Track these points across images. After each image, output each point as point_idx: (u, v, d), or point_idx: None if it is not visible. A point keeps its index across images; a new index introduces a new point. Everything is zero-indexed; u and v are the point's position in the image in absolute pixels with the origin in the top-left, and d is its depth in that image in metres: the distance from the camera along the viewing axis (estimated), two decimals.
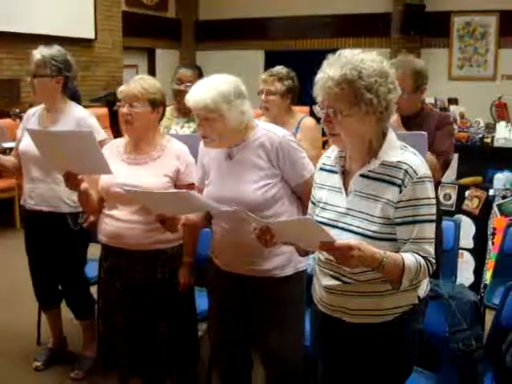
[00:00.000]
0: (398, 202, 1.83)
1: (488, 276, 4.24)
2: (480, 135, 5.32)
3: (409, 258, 1.80)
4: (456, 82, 9.72)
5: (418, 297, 1.99)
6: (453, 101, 8.32)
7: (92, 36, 9.39)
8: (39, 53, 3.13)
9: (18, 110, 6.66)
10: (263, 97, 3.52)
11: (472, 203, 4.59)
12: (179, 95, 3.57)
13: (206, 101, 2.26)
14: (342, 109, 1.81)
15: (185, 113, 3.60)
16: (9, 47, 7.89)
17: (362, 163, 1.91)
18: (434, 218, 1.88)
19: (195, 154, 2.65)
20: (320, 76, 1.85)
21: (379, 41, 10.07)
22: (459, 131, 5.32)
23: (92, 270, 3.37)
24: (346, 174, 1.97)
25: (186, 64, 4.22)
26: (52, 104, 3.22)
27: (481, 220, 4.52)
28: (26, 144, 3.14)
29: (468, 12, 9.65)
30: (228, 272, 2.47)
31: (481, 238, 4.51)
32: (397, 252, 1.83)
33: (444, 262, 3.16)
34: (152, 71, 11.30)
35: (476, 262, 4.53)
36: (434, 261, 1.86)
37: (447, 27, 9.85)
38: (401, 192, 1.82)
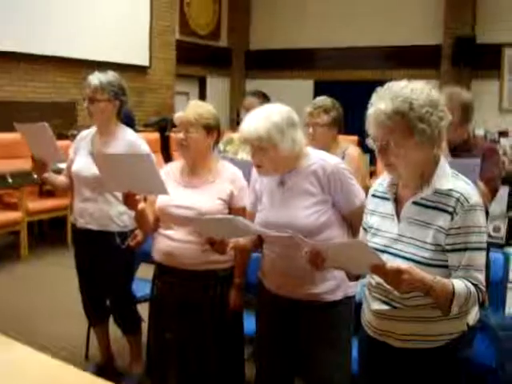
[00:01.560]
0: (449, 229, 1.86)
1: None
2: None
3: (459, 285, 1.82)
4: (507, 114, 9.63)
5: (467, 324, 2.00)
6: (503, 133, 8.25)
7: (146, 63, 9.71)
8: (96, 78, 3.24)
9: (76, 132, 6.91)
10: (310, 130, 3.55)
11: None
12: None
13: (259, 131, 2.32)
14: (395, 141, 1.86)
15: None
16: (68, 72, 8.23)
17: (415, 190, 1.95)
18: (485, 246, 1.90)
19: (249, 180, 2.74)
20: (371, 110, 1.90)
21: (429, 73, 10.07)
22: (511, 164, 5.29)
23: (142, 288, 3.48)
24: (398, 201, 2.01)
25: (253, 91, 4.36)
26: (106, 127, 3.33)
27: None
28: (80, 166, 3.29)
29: None
30: (278, 295, 2.52)
31: None
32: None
33: (492, 293, 3.14)
34: (203, 98, 11.53)
35: None
36: (483, 288, 1.88)
37: (498, 59, 9.79)
38: (452, 219, 1.86)
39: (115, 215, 3.28)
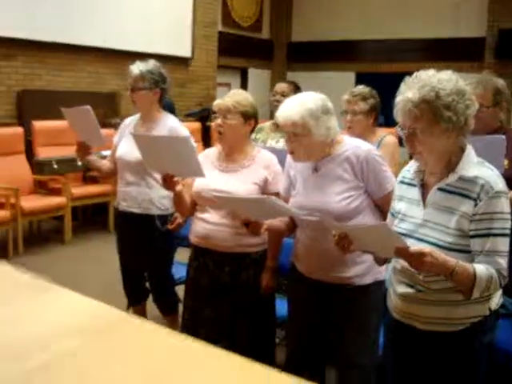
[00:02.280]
0: (473, 215, 1.91)
1: None
2: None
3: (480, 269, 1.87)
4: None
5: (490, 309, 2.04)
6: None
7: (189, 55, 9.83)
8: (137, 67, 3.37)
9: (118, 121, 7.11)
10: (348, 117, 3.63)
11: None
12: (275, 111, 3.78)
13: (294, 117, 2.41)
14: (422, 128, 1.91)
15: (281, 128, 3.79)
16: (110, 63, 8.40)
17: (441, 177, 2.00)
18: (508, 232, 1.94)
19: (283, 167, 2.82)
20: (399, 99, 1.96)
21: (471, 65, 9.95)
22: None
23: (179, 271, 3.59)
24: (424, 187, 2.07)
25: (286, 81, 4.46)
26: (148, 114, 3.46)
27: None
28: (123, 151, 3.43)
29: None
30: (309, 278, 2.60)
31: None
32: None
33: None
34: (244, 90, 11.60)
35: None
36: (506, 274, 1.92)
37: None
38: (476, 205, 1.90)
39: (156, 199, 3.41)
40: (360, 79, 11.39)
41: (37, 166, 6.55)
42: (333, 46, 11.66)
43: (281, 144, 3.89)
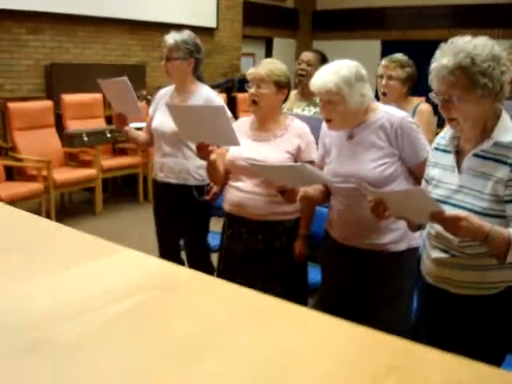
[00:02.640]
0: (508, 180, 1.92)
1: None
2: None
3: None
4: None
5: None
6: None
7: (214, 25, 9.81)
8: (172, 37, 3.38)
9: (145, 93, 7.16)
10: (383, 81, 3.62)
11: None
12: (301, 80, 3.80)
13: (328, 85, 2.43)
14: (458, 95, 1.92)
15: (306, 97, 3.81)
16: (136, 35, 8.44)
17: (476, 143, 2.02)
18: None
19: (315, 135, 2.85)
20: (434, 65, 1.96)
21: (501, 32, 9.78)
22: None
23: (213, 240, 3.65)
24: (459, 154, 2.09)
25: (313, 50, 4.45)
26: (183, 85, 3.47)
27: None
28: (159, 122, 3.46)
29: None
30: (344, 245, 2.64)
31: None
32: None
33: None
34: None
35: None
36: None
37: None
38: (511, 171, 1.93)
39: (193, 169, 3.44)
40: (386, 47, 11.29)
41: (67, 139, 6.62)
42: (358, 14, 11.54)
43: (306, 112, 3.91)
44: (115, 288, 0.96)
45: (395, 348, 0.84)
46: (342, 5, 11.79)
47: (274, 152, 2.84)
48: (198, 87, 3.50)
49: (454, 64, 1.91)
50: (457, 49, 1.93)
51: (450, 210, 1.88)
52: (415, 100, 3.79)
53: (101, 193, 6.58)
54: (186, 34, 3.44)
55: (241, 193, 2.90)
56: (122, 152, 7.17)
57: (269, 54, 11.80)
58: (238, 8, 10.42)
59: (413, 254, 2.60)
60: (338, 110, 2.46)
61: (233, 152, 2.90)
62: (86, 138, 6.53)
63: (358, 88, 2.45)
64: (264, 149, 2.86)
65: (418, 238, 2.58)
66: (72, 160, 6.69)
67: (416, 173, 2.55)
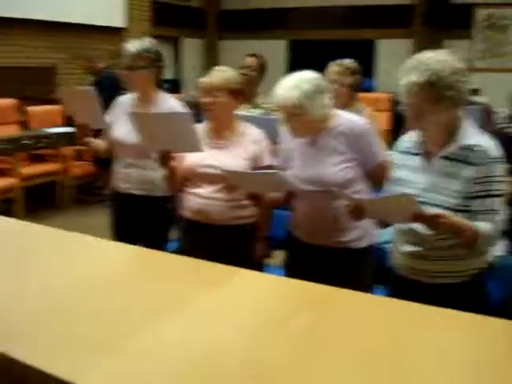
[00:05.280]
0: (475, 178, 2.13)
1: None
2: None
3: (482, 226, 2.11)
4: (477, 73, 9.96)
5: (487, 262, 2.30)
6: (473, 91, 8.57)
7: (123, 25, 9.67)
8: (133, 46, 3.27)
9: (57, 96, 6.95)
10: (335, 87, 3.63)
11: None
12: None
13: (291, 99, 2.53)
14: (428, 107, 2.13)
15: (249, 100, 3.90)
16: (46, 36, 8.14)
17: (442, 146, 2.22)
18: (504, 192, 2.18)
19: (271, 135, 2.95)
20: (404, 82, 2.14)
21: (400, 32, 10.28)
22: None
23: (171, 247, 3.54)
24: (426, 155, 2.28)
25: (251, 54, 4.59)
26: (146, 94, 3.36)
27: None
28: (122, 132, 3.33)
29: (491, 5, 9.89)
30: (309, 244, 2.76)
31: None
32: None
33: None
34: (176, 59, 11.62)
35: None
36: (500, 229, 2.17)
37: (469, 19, 10.08)
38: (477, 170, 2.12)
39: (157, 180, 3.29)
40: (292, 47, 11.60)
41: None
42: (264, 14, 11.77)
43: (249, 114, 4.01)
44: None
45: None
46: (246, 5, 11.96)
47: (231, 158, 2.89)
48: (161, 96, 3.42)
49: (423, 81, 2.09)
50: (423, 66, 2.11)
51: (429, 210, 2.06)
52: (358, 104, 3.95)
53: (23, 203, 6.32)
54: (148, 42, 3.35)
55: (200, 199, 2.93)
56: (40, 159, 6.93)
57: (177, 54, 11.77)
58: (147, 8, 10.34)
59: (373, 250, 2.78)
60: (302, 121, 2.58)
61: (191, 159, 2.93)
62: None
63: (319, 100, 2.57)
64: (222, 155, 2.91)
65: (376, 235, 2.76)
66: None
67: (372, 175, 2.72)
